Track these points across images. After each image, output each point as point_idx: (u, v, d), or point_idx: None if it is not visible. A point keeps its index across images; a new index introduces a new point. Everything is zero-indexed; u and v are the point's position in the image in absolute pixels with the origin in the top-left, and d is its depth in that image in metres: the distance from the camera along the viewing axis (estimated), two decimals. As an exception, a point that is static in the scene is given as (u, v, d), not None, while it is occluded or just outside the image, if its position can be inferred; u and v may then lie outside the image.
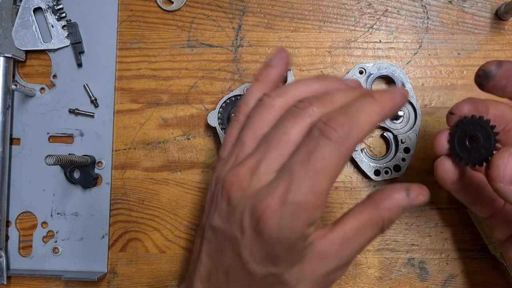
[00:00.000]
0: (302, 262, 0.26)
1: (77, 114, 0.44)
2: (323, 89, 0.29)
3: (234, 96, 0.41)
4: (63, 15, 0.44)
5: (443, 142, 0.29)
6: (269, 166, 0.25)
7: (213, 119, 0.41)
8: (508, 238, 0.34)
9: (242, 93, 0.41)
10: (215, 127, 0.41)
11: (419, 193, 0.27)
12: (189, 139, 0.44)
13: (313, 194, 0.24)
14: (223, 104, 0.42)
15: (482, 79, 0.28)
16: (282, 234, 0.24)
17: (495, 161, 0.25)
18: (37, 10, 0.44)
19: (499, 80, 0.27)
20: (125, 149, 0.44)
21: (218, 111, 0.41)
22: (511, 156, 0.25)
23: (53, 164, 0.38)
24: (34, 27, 0.44)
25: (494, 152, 0.26)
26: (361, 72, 0.42)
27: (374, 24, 0.43)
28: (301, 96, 0.28)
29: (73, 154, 0.43)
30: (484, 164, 0.27)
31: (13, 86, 0.41)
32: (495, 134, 0.27)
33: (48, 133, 0.44)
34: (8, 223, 0.44)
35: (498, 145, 0.27)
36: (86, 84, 0.44)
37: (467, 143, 0.28)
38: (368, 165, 0.41)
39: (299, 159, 0.24)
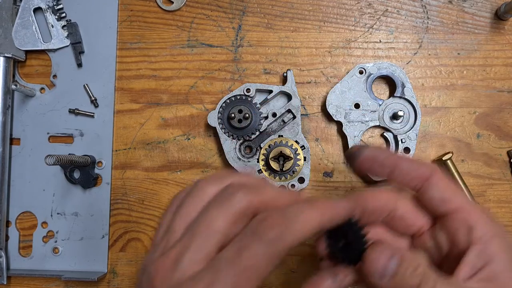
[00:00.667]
0: None
1: (77, 114, 0.44)
2: (260, 183, 0.28)
3: (234, 96, 0.41)
4: (63, 15, 0.44)
5: (323, 247, 0.29)
6: (194, 256, 0.25)
7: (213, 119, 0.41)
8: None
9: (242, 93, 0.41)
10: (215, 127, 0.41)
11: (347, 274, 0.28)
12: (189, 139, 0.44)
13: None
14: (223, 104, 0.42)
15: (349, 159, 0.30)
16: None
17: (366, 258, 0.26)
18: (37, 10, 0.44)
19: (362, 162, 0.29)
20: (125, 149, 0.44)
21: (218, 111, 0.41)
22: (383, 252, 0.26)
23: (53, 164, 0.38)
24: (34, 27, 0.44)
25: (365, 247, 0.27)
26: (361, 72, 0.42)
27: (374, 24, 0.43)
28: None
29: (73, 154, 0.43)
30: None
31: (13, 86, 0.41)
32: (360, 229, 0.27)
33: (48, 133, 0.44)
34: (8, 223, 0.44)
35: (367, 238, 0.27)
36: (86, 84, 0.44)
37: (342, 244, 0.28)
38: (368, 165, 0.41)
39: (228, 255, 0.24)
